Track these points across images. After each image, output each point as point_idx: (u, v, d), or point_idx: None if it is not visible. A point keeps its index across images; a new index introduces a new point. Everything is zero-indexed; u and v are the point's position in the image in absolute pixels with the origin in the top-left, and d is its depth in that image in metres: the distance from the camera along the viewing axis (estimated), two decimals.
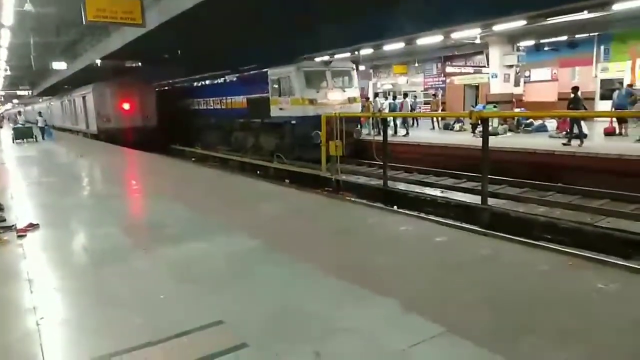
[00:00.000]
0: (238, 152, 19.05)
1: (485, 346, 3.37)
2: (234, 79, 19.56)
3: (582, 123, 13.33)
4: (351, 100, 15.86)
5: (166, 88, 28.13)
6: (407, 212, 8.15)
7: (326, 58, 17.84)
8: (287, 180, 13.25)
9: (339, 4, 13.03)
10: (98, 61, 23.83)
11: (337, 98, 15.40)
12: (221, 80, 20.61)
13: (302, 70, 15.30)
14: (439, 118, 20.57)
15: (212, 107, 21.79)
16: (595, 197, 9.22)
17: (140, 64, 26.38)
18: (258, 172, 15.61)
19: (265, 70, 16.81)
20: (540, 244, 6.09)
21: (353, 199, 9.38)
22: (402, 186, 10.92)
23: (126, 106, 24.68)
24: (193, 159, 20.69)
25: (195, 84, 23.93)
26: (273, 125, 16.59)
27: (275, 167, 14.91)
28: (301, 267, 5.09)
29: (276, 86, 16.08)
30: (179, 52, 21.86)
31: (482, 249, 5.64)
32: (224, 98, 20.27)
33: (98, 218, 7.80)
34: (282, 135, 16.27)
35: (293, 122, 15.15)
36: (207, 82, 22.31)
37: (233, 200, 9.03)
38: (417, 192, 10.10)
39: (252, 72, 18.18)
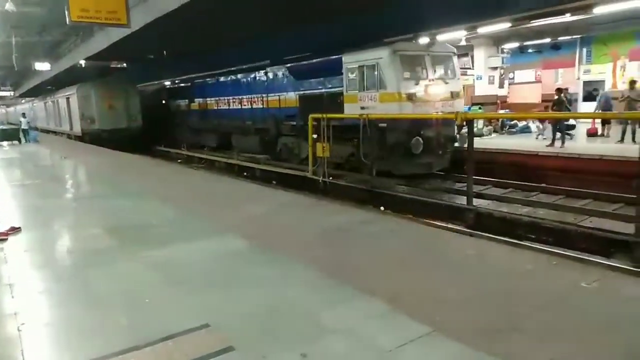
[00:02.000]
0: (285, 161, 15.17)
1: (471, 345, 3.41)
2: (278, 72, 15.43)
3: (568, 124, 13.58)
4: (454, 95, 12.00)
5: (160, 88, 27.55)
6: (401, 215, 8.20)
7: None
8: (274, 182, 13.21)
9: None
10: (82, 62, 23.47)
11: (438, 92, 11.64)
12: (252, 75, 16.95)
13: (398, 54, 11.15)
14: None
15: (233, 108, 18.27)
16: (579, 197, 9.37)
17: (125, 64, 26.08)
18: (245, 173, 15.53)
19: (335, 57, 12.49)
20: (525, 243, 6.18)
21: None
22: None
23: (110, 107, 24.37)
24: (179, 161, 20.55)
25: (205, 81, 21.00)
26: (346, 130, 11.64)
27: (262, 169, 14.85)
28: (289, 267, 5.08)
29: (355, 77, 11.88)
30: (164, 52, 21.30)
31: (468, 249, 5.70)
32: (256, 96, 16.55)
33: (82, 220, 7.69)
34: (360, 142, 11.42)
35: (382, 124, 10.91)
36: (228, 78, 19.05)
37: (220, 201, 8.99)
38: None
39: (309, 62, 14.05)
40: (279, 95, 15.11)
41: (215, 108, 19.74)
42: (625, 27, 17.53)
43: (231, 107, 18.38)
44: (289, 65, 14.74)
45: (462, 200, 8.81)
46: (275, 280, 4.74)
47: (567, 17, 13.76)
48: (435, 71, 11.83)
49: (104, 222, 7.31)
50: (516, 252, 5.59)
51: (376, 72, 11.30)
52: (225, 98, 18.77)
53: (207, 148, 20.83)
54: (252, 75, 16.85)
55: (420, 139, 10.84)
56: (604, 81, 20.05)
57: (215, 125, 19.78)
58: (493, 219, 8.10)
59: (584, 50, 20.88)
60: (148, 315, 4.06)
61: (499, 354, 3.28)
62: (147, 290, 4.56)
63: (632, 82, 14.32)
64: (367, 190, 10.30)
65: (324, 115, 11.29)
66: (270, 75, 15.72)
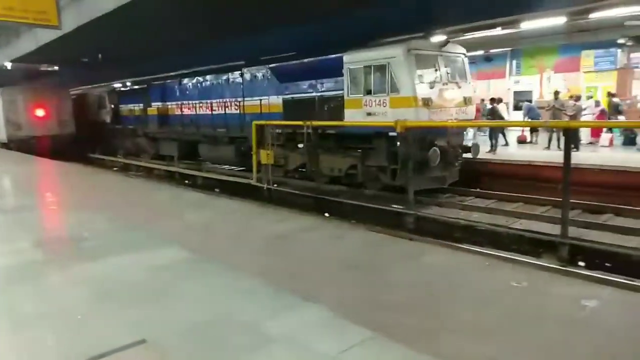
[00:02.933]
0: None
1: (411, 346, 3.50)
2: (257, 73, 13.59)
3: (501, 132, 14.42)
4: (467, 100, 10.77)
5: (102, 91, 25.40)
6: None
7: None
8: (217, 190, 12.93)
9: None
10: (8, 64, 21.86)
11: (454, 97, 10.45)
12: (225, 77, 14.94)
13: (413, 53, 9.78)
14: None
15: (202, 113, 16.02)
16: (511, 200, 9.91)
17: (56, 67, 24.57)
18: (186, 181, 15.09)
19: (334, 56, 11.07)
20: (462, 246, 6.45)
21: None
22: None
23: (40, 112, 22.89)
24: (115, 169, 19.62)
25: (166, 83, 18.72)
26: (347, 139, 10.77)
27: (204, 176, 14.50)
28: (230, 278, 4.98)
29: (359, 79, 10.35)
30: (99, 55, 20.13)
31: (408, 253, 5.87)
32: (230, 100, 14.56)
33: (7, 234, 7.13)
34: (366, 153, 10.57)
35: (393, 133, 9.47)
36: (194, 80, 16.67)
37: (159, 211, 8.67)
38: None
39: (299, 62, 12.37)
40: (260, 100, 13.21)
41: (179, 113, 17.30)
42: (549, 42, 18.90)
43: (199, 112, 16.10)
44: (272, 66, 12.93)
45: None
46: (216, 292, 4.63)
47: (498, 31, 14.62)
48: (448, 73, 10.51)
49: (31, 235, 6.81)
50: (454, 254, 5.83)
51: (387, 74, 9.78)
52: (191, 102, 16.48)
53: (168, 158, 18.30)
54: (225, 77, 14.88)
55: (437, 149, 9.73)
56: (531, 91, 21.47)
57: (179, 133, 17.32)
58: (433, 223, 8.39)
59: (514, 62, 22.29)
60: (81, 333, 3.82)
61: (440, 354, 3.39)
62: (80, 307, 4.30)
63: (556, 93, 15.48)
64: (312, 197, 10.35)
65: (308, 123, 10.62)
66: (248, 77, 13.84)
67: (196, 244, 6.18)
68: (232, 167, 15.47)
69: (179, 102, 17.24)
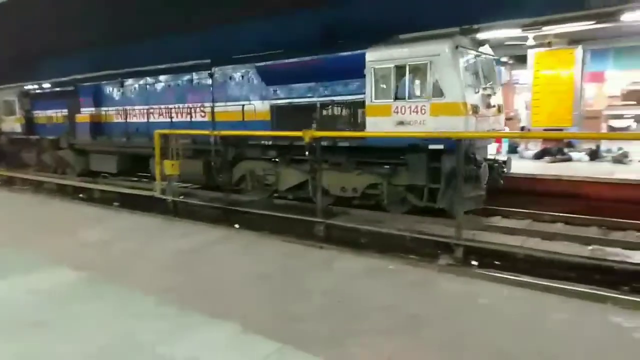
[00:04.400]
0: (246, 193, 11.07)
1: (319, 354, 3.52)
2: (235, 74, 11.26)
3: None
4: (500, 108, 9.50)
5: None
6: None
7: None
8: (115, 203, 12.03)
9: None
10: None
11: (493, 104, 9.27)
12: (186, 78, 12.38)
13: (460, 50, 8.39)
14: None
15: (154, 121, 13.06)
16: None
17: None
18: (81, 195, 13.83)
19: (349, 53, 9.20)
20: (368, 252, 6.66)
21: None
22: None
23: None
24: None
25: (100, 85, 15.29)
26: (367, 153, 9.03)
27: (101, 189, 13.40)
28: (127, 298, 4.64)
29: (389, 81, 8.62)
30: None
31: (318, 261, 5.93)
32: (195, 106, 12.07)
33: None
34: (395, 170, 8.91)
35: (436, 146, 8.07)
36: (141, 81, 13.79)
37: (49, 227, 7.85)
38: None
39: (298, 60, 10.07)
40: (242, 105, 10.95)
41: (120, 121, 14.21)
42: None
43: (152, 120, 13.16)
44: (260, 65, 10.66)
45: None
46: (111, 314, 4.29)
47: None
48: (485, 77, 9.16)
49: None
50: (359, 260, 6.01)
51: (427, 75, 8.26)
52: (141, 108, 13.56)
53: (105, 175, 15.29)
54: (187, 78, 12.39)
55: (486, 165, 8.52)
56: None
57: (121, 145, 14.00)
58: (342, 231, 8.56)
59: None
60: None
61: (348, 357, 3.45)
62: None
63: None
64: (222, 208, 10.04)
65: (316, 133, 8.70)
66: (220, 77, 11.48)
67: (90, 263, 5.68)
68: (195, 186, 12.73)
69: (122, 108, 14.16)
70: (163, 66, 13.49)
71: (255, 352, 3.55)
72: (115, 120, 14.53)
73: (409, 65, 8.39)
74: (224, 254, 6.28)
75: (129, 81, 14.05)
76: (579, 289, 4.94)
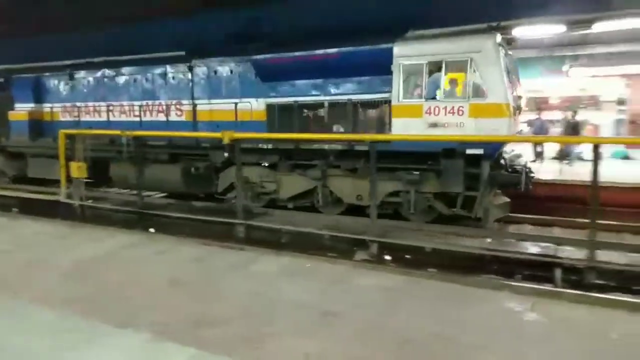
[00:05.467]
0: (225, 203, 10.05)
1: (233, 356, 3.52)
2: (220, 68, 10.02)
3: None
4: (520, 110, 8.99)
5: None
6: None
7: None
8: (15, 209, 10.99)
9: None
10: None
11: (518, 105, 8.72)
12: (159, 71, 10.84)
13: (502, 47, 7.79)
14: None
15: (116, 120, 11.40)
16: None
17: None
18: None
19: (372, 48, 8.26)
20: (286, 251, 6.74)
21: None
22: None
23: None
24: None
25: (42, 76, 13.00)
26: (390, 158, 7.98)
27: None
28: (22, 313, 4.30)
29: (421, 79, 7.86)
30: None
31: (237, 263, 5.89)
32: (172, 103, 10.62)
33: None
34: (424, 176, 8.13)
35: (475, 150, 7.47)
36: (99, 73, 11.87)
37: None
38: None
39: (308, 53, 8.91)
40: (235, 103, 9.66)
41: (70, 119, 12.27)
42: None
43: (113, 119, 11.46)
44: (256, 58, 9.46)
45: None
46: (5, 331, 3.95)
47: None
48: (514, 77, 8.65)
49: None
50: (278, 260, 6.07)
51: (467, 73, 7.52)
52: (98, 104, 11.72)
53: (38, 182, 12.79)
54: (159, 72, 10.84)
55: (526, 170, 8.02)
56: None
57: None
58: (263, 232, 8.55)
59: None
60: None
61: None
62: None
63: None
64: (135, 211, 9.57)
65: (333, 136, 8.55)
66: (202, 72, 10.19)
67: None
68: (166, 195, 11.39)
69: (71, 104, 12.24)
70: (127, 57, 11.61)
71: (169, 358, 3.47)
72: (63, 119, 12.39)
73: (445, 61, 7.62)
74: (135, 260, 6.02)
75: (82, 73, 12.10)
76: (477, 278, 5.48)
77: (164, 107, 10.72)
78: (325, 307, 4.49)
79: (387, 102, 8.19)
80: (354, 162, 8.59)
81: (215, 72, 10.07)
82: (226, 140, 8.24)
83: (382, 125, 8.39)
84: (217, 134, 8.26)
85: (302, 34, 9.29)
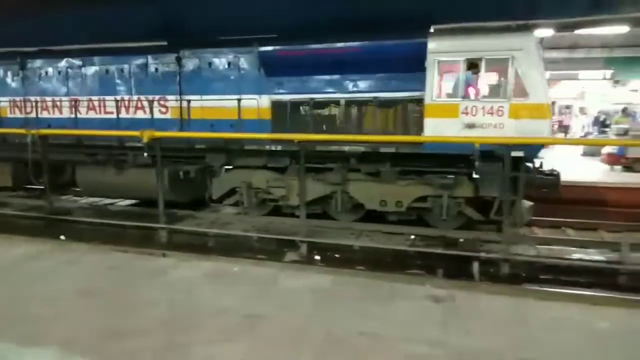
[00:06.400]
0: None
1: None
2: (216, 60, 8.98)
3: None
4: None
5: None
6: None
7: None
8: None
9: None
10: None
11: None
12: (139, 62, 9.49)
13: (541, 45, 7.57)
14: None
15: (86, 117, 9.89)
16: None
17: None
18: None
19: (402, 42, 7.61)
20: (212, 255, 6.51)
21: None
22: None
23: None
24: None
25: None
26: (417, 160, 7.76)
27: None
28: None
29: (459, 77, 7.42)
30: None
31: (157, 270, 5.57)
32: (156, 97, 9.31)
33: None
34: (458, 181, 7.70)
35: (517, 153, 6.73)
36: (64, 62, 10.19)
37: None
38: None
39: (328, 47, 8.12)
40: (234, 99, 8.63)
41: (21, 116, 10.56)
42: None
43: (81, 115, 9.96)
44: (263, 50, 8.55)
45: None
46: None
47: None
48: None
49: None
50: (203, 265, 5.83)
51: (509, 71, 7.17)
52: (60, 99, 10.16)
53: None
54: (137, 62, 9.55)
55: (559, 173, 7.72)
56: None
57: (21, 149, 9.20)
58: (188, 236, 8.20)
59: None
60: None
61: None
62: None
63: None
64: (42, 217, 8.74)
65: (359, 137, 7.81)
66: (192, 64, 9.14)
67: None
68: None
69: (23, 98, 10.52)
70: (100, 45, 10.08)
71: None
72: (12, 115, 10.68)
73: (485, 59, 7.24)
74: (42, 271, 5.47)
75: (37, 63, 10.46)
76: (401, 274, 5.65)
77: (145, 103, 9.42)
78: (250, 310, 4.36)
79: (416, 100, 7.70)
80: (377, 165, 8.03)
81: (210, 64, 9.02)
82: (145, 140, 7.79)
83: (410, 125, 7.84)
84: (136, 133, 7.74)
85: (314, 25, 8.19)
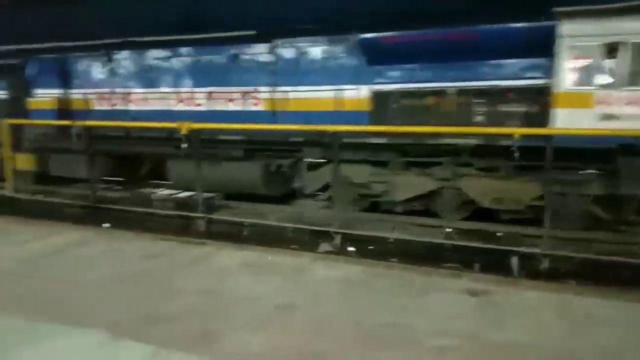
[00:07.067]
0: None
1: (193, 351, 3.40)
2: (308, 50, 8.59)
3: None
4: None
5: None
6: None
7: None
8: None
9: None
10: None
11: None
12: (231, 53, 9.19)
13: None
14: None
15: (176, 109, 9.77)
16: None
17: None
18: None
19: (526, 25, 7.10)
20: (249, 245, 6.62)
21: None
22: None
23: None
24: None
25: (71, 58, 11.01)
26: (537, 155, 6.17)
27: None
28: None
29: (595, 63, 6.81)
30: None
31: (197, 257, 5.72)
32: (241, 90, 9.10)
33: None
34: (590, 178, 7.09)
35: None
36: (141, 56, 10.19)
37: None
38: None
39: (422, 33, 7.63)
40: (332, 90, 8.26)
41: (107, 108, 10.54)
42: None
43: (166, 107, 9.87)
44: (365, 37, 8.06)
45: None
46: None
47: None
48: None
49: None
50: (239, 254, 5.97)
51: None
52: (150, 91, 10.03)
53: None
54: (228, 53, 9.24)
55: None
56: None
57: (112, 142, 9.96)
58: (225, 225, 8.36)
59: None
60: None
61: (221, 353, 3.38)
62: None
63: None
64: (88, 206, 9.14)
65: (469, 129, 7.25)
66: (288, 54, 8.74)
67: None
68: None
69: (110, 91, 10.47)
70: (191, 37, 9.90)
71: (125, 358, 3.33)
72: (100, 108, 10.57)
73: (632, 43, 6.52)
74: (87, 257, 5.74)
75: (124, 54, 10.32)
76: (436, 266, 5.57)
77: (236, 94, 9.18)
78: (283, 300, 4.42)
79: (541, 89, 7.11)
80: (493, 160, 7.46)
81: (305, 53, 8.64)
82: (184, 131, 7.96)
83: (533, 116, 7.17)
84: (174, 124, 7.90)
85: (419, 9, 7.95)
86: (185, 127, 7.97)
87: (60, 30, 11.30)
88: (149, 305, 4.28)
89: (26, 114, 10.96)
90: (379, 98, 8.01)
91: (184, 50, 9.67)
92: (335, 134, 6.68)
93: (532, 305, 4.34)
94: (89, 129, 9.16)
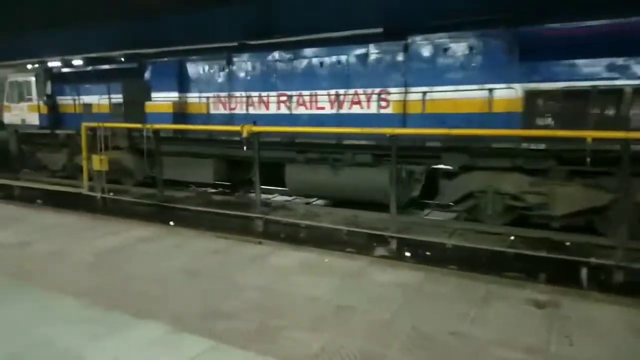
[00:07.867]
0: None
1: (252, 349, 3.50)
2: (452, 44, 7.71)
3: None
4: None
5: None
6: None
7: None
8: (39, 201, 11.23)
9: None
10: None
11: None
12: (358, 53, 8.60)
13: None
14: None
15: (290, 112, 9.32)
16: None
17: None
18: None
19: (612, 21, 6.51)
20: (306, 246, 6.69)
21: None
22: None
23: None
24: None
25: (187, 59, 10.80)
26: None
27: (23, 186, 12.42)
28: (46, 302, 4.36)
29: None
30: None
31: (254, 256, 5.87)
32: (367, 92, 8.50)
33: None
34: None
35: None
36: (263, 59, 9.74)
37: None
38: None
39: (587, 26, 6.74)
40: (489, 90, 7.26)
41: (225, 112, 10.18)
42: None
43: (285, 111, 9.45)
44: (523, 30, 7.20)
45: None
46: (28, 319, 4.01)
47: None
48: None
49: None
50: (296, 254, 6.06)
51: None
52: (270, 94, 9.59)
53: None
54: (356, 52, 8.66)
55: None
56: None
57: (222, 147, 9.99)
58: (281, 226, 8.52)
59: None
60: None
61: (279, 351, 3.45)
62: None
63: None
64: (155, 204, 9.67)
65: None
66: (423, 51, 7.98)
67: (4, 266, 5.27)
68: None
69: (228, 94, 10.11)
70: (314, 36, 9.39)
71: (187, 351, 3.47)
72: (216, 112, 10.27)
73: None
74: (154, 252, 6.06)
75: (244, 57, 9.99)
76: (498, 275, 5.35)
77: (364, 96, 8.59)
78: (341, 301, 4.43)
79: None
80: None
81: (445, 50, 7.83)
82: (245, 134, 8.19)
83: None
84: (236, 127, 8.16)
85: None
86: (246, 129, 8.22)
87: (176, 35, 11.42)
88: (211, 301, 4.45)
89: (144, 117, 10.74)
90: (535, 98, 6.99)
91: (306, 51, 9.23)
92: (482, 139, 6.18)
93: (603, 320, 4.07)
94: (157, 132, 9.69)
